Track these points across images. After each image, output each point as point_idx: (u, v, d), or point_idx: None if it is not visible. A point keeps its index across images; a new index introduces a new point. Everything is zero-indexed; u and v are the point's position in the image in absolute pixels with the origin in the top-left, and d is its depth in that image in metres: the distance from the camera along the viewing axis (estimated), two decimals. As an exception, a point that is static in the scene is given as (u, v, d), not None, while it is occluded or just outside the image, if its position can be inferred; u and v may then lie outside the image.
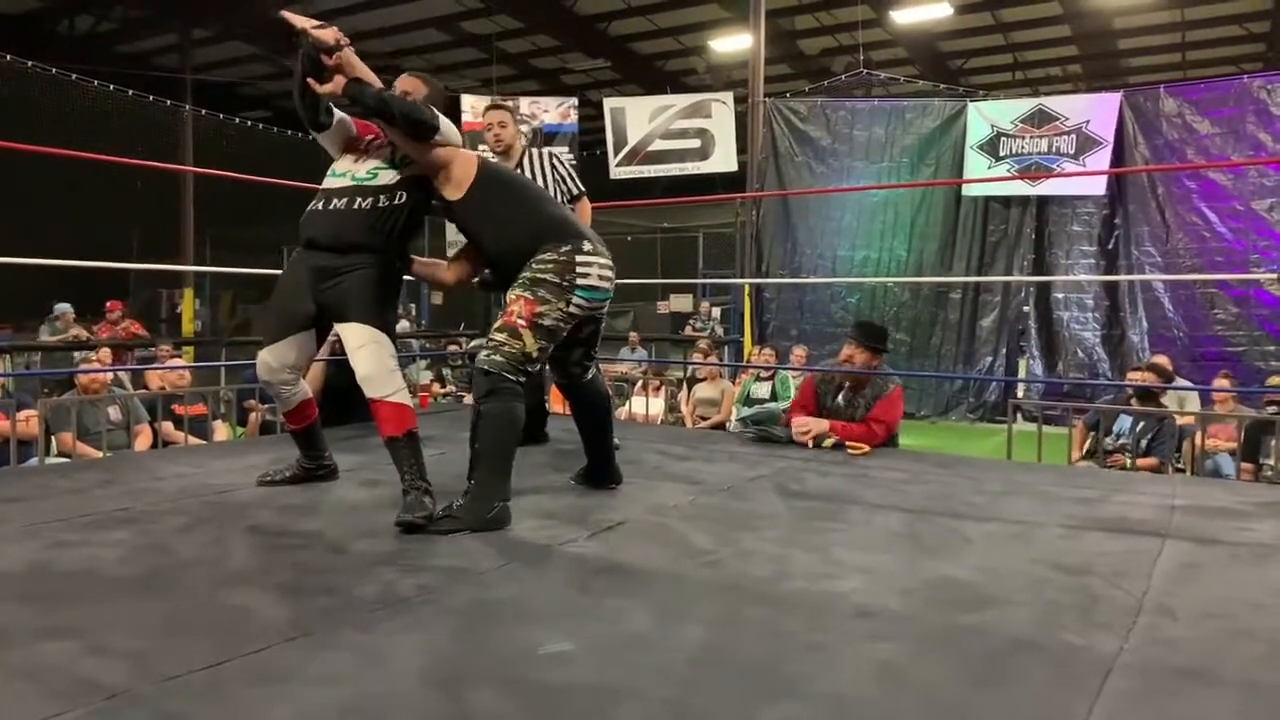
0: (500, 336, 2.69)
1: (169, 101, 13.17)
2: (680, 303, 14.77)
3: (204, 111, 13.90)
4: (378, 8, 14.01)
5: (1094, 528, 2.72)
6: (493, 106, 4.04)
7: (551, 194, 3.76)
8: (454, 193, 2.86)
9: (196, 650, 1.68)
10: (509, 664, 1.69)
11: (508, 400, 2.66)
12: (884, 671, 1.66)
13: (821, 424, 4.09)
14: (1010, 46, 15.48)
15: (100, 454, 4.70)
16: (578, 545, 2.46)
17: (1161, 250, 9.32)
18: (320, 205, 2.94)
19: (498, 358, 2.66)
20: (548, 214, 2.91)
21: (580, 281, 2.77)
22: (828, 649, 1.76)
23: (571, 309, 2.77)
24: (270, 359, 2.96)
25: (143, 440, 5.37)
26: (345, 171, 2.97)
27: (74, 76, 11.27)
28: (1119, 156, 9.42)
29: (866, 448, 3.99)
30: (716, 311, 13.53)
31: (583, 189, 4.04)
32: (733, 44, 14.00)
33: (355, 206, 2.86)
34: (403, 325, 14.84)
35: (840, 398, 4.21)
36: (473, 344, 6.38)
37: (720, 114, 11.66)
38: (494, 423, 2.64)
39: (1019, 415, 6.07)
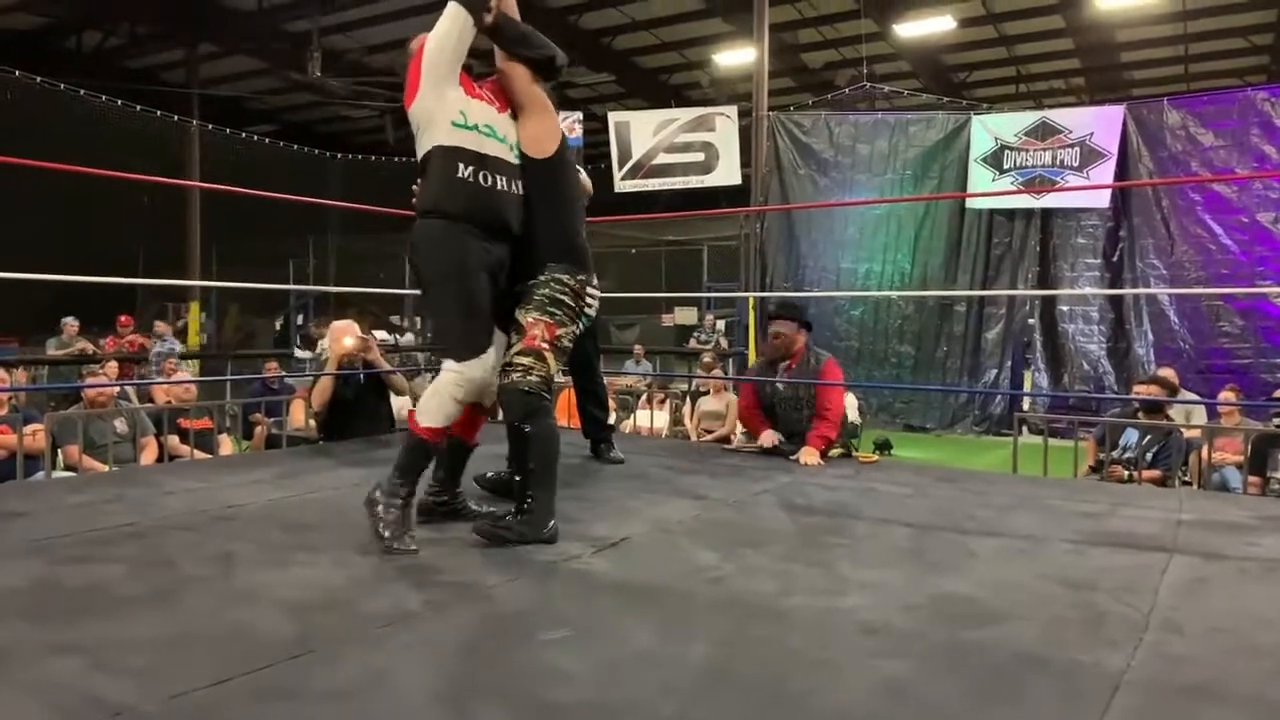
0: (528, 360, 2.66)
1: (176, 117, 13.27)
2: (685, 315, 14.78)
3: (210, 126, 14.01)
4: (385, 22, 14.10)
5: (1100, 542, 2.71)
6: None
7: None
8: (540, 151, 2.78)
9: (203, 667, 1.69)
10: (515, 681, 1.69)
11: (548, 419, 2.69)
12: (890, 688, 1.66)
13: (769, 437, 4.20)
14: (1013, 59, 15.51)
15: (106, 467, 4.72)
16: (583, 561, 2.46)
17: (1166, 263, 9.32)
18: (481, 180, 2.58)
19: (533, 378, 2.65)
20: (580, 230, 2.94)
21: (587, 309, 2.82)
22: (833, 666, 1.76)
23: (576, 332, 2.82)
24: (485, 374, 2.62)
25: (148, 454, 5.39)
26: (488, 128, 2.65)
27: (82, 92, 11.36)
28: (1123, 169, 9.42)
29: (876, 457, 4.02)
30: (721, 324, 13.53)
31: None
32: (736, 58, 14.06)
33: (514, 191, 2.67)
34: (408, 339, 14.86)
35: (782, 388, 4.28)
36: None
37: (724, 127, 11.71)
38: (544, 443, 2.64)
39: (1024, 428, 6.06)
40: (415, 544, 2.48)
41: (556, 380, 2.93)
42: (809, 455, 3.98)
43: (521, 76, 2.79)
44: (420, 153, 2.66)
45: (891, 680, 1.69)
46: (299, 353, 12.43)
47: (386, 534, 2.47)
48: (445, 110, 2.59)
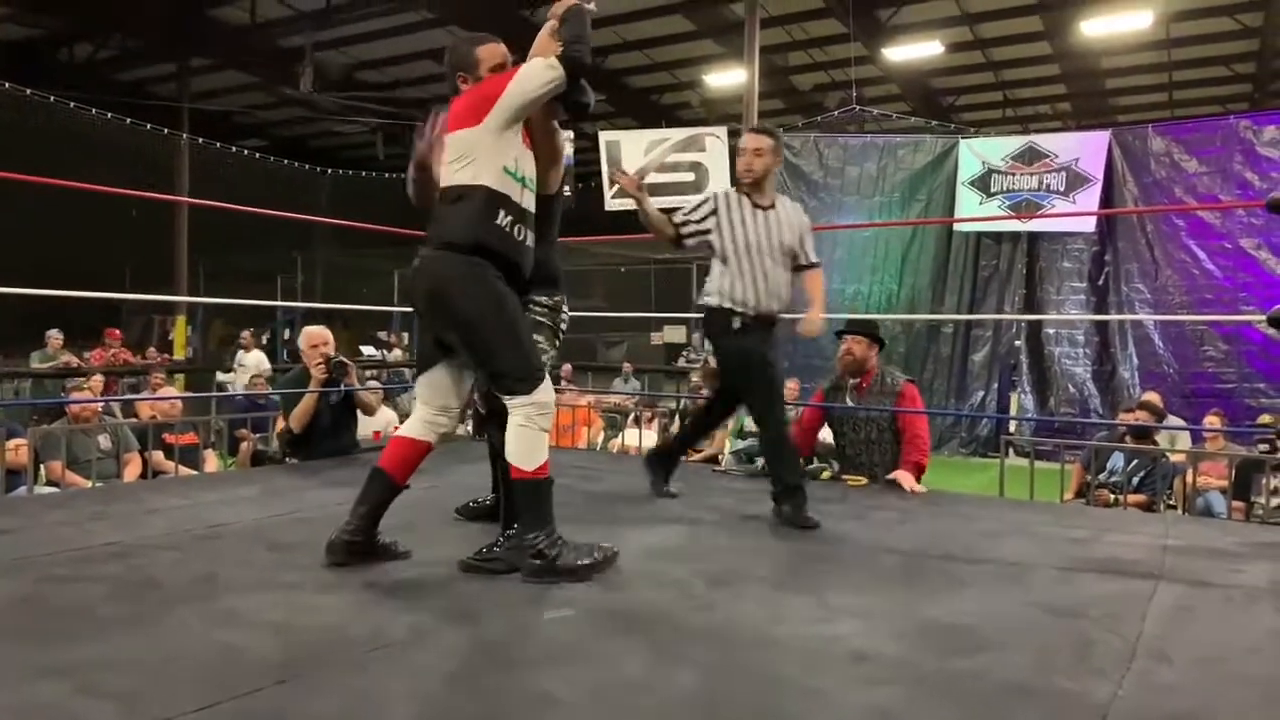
0: None
1: (166, 130, 13.25)
2: (674, 334, 14.80)
3: (200, 140, 13.99)
4: (376, 40, 14.16)
5: (1087, 569, 2.72)
6: (755, 130, 3.55)
7: (775, 257, 3.44)
8: (548, 189, 2.80)
9: (188, 691, 1.67)
10: (503, 708, 1.67)
11: None
12: (881, 717, 1.65)
13: (908, 479, 3.93)
14: (1000, 84, 15.69)
15: (89, 483, 4.67)
16: (571, 587, 2.45)
17: (1151, 287, 9.40)
18: (515, 233, 2.54)
19: None
20: (554, 254, 2.95)
21: (562, 327, 2.86)
22: (824, 694, 1.75)
23: (554, 356, 2.86)
24: (553, 395, 2.56)
25: (132, 469, 5.34)
26: (530, 182, 2.60)
27: (72, 104, 11.34)
28: (1108, 194, 9.52)
29: (864, 480, 4.02)
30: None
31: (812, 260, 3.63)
32: (727, 79, 14.16)
33: (531, 242, 2.63)
34: (395, 354, 14.81)
35: (849, 398, 4.18)
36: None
37: (714, 148, 11.75)
38: (529, 442, 2.56)
39: (1011, 450, 6.08)
40: (604, 547, 2.50)
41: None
42: (908, 480, 3.90)
43: (551, 113, 2.74)
44: (457, 179, 2.52)
45: (882, 709, 1.68)
46: (220, 375, 12.01)
47: (583, 562, 2.42)
48: (502, 153, 2.50)
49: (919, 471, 3.97)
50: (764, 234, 3.41)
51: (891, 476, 3.95)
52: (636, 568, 2.64)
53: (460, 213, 2.49)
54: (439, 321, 2.57)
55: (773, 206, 3.47)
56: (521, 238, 2.55)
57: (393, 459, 2.58)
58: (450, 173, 2.55)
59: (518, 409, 2.43)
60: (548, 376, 2.51)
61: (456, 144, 2.53)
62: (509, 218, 2.50)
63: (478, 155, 2.50)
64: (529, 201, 2.58)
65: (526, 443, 2.43)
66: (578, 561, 2.41)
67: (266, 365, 10.73)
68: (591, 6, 2.60)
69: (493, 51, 2.67)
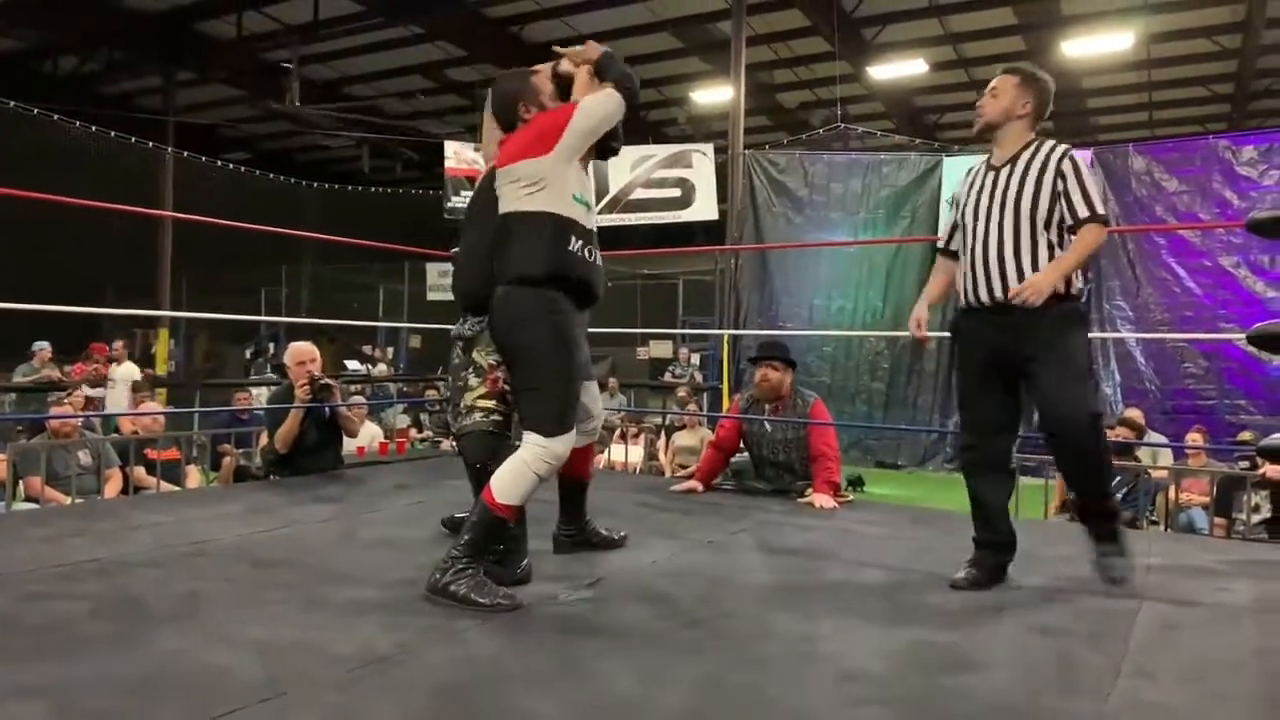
0: (490, 403, 2.70)
1: (151, 144, 13.19)
2: (660, 349, 14.81)
3: (186, 154, 13.93)
4: (362, 54, 14.17)
5: (1072, 587, 2.73)
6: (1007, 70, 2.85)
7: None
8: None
9: (169, 711, 1.65)
10: (489, 728, 1.66)
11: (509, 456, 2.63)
12: (867, 737, 1.65)
13: (826, 500, 3.97)
14: (984, 103, 15.83)
15: (68, 499, 4.62)
16: (557, 603, 2.44)
17: (1132, 304, 9.48)
18: (587, 254, 2.55)
19: (496, 418, 2.67)
20: None
21: None
22: (811, 714, 1.75)
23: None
24: (568, 450, 2.56)
25: (113, 485, 5.28)
26: (591, 205, 2.64)
27: (55, 117, 11.28)
28: (1090, 212, 9.60)
29: (850, 496, 4.04)
30: (696, 358, 13.56)
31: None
32: (713, 96, 14.23)
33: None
34: (380, 369, 14.76)
35: (768, 425, 4.28)
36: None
37: (700, 164, 11.81)
38: (520, 480, 2.55)
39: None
40: (511, 598, 2.35)
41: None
42: (822, 500, 3.92)
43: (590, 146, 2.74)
44: (525, 205, 2.50)
45: (869, 728, 1.68)
46: (88, 390, 11.24)
47: (482, 600, 2.31)
48: (569, 181, 2.52)
49: (833, 488, 4.02)
50: (990, 199, 2.71)
51: (806, 500, 3.98)
52: (623, 585, 2.63)
53: (531, 243, 2.48)
54: (502, 352, 2.61)
55: (1012, 162, 2.71)
56: (592, 259, 2.58)
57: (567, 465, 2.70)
58: (515, 200, 2.53)
59: (531, 446, 2.42)
60: (574, 432, 2.50)
61: (524, 172, 2.52)
62: (579, 241, 2.51)
63: (549, 183, 2.50)
64: (592, 223, 2.61)
65: (516, 480, 2.40)
66: (471, 595, 2.31)
67: (137, 374, 10.19)
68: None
69: (546, 80, 2.70)
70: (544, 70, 2.75)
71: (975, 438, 2.88)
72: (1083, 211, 2.60)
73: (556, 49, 2.74)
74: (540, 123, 2.58)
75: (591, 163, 2.76)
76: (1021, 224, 2.64)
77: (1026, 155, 2.69)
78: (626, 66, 2.62)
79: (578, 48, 2.68)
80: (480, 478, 2.61)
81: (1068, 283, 2.64)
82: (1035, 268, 2.61)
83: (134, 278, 14.34)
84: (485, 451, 2.65)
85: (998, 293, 2.65)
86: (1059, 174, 2.63)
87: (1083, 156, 2.79)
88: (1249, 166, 8.91)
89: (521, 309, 2.48)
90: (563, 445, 2.44)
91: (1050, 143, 2.71)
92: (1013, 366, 2.70)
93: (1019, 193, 2.65)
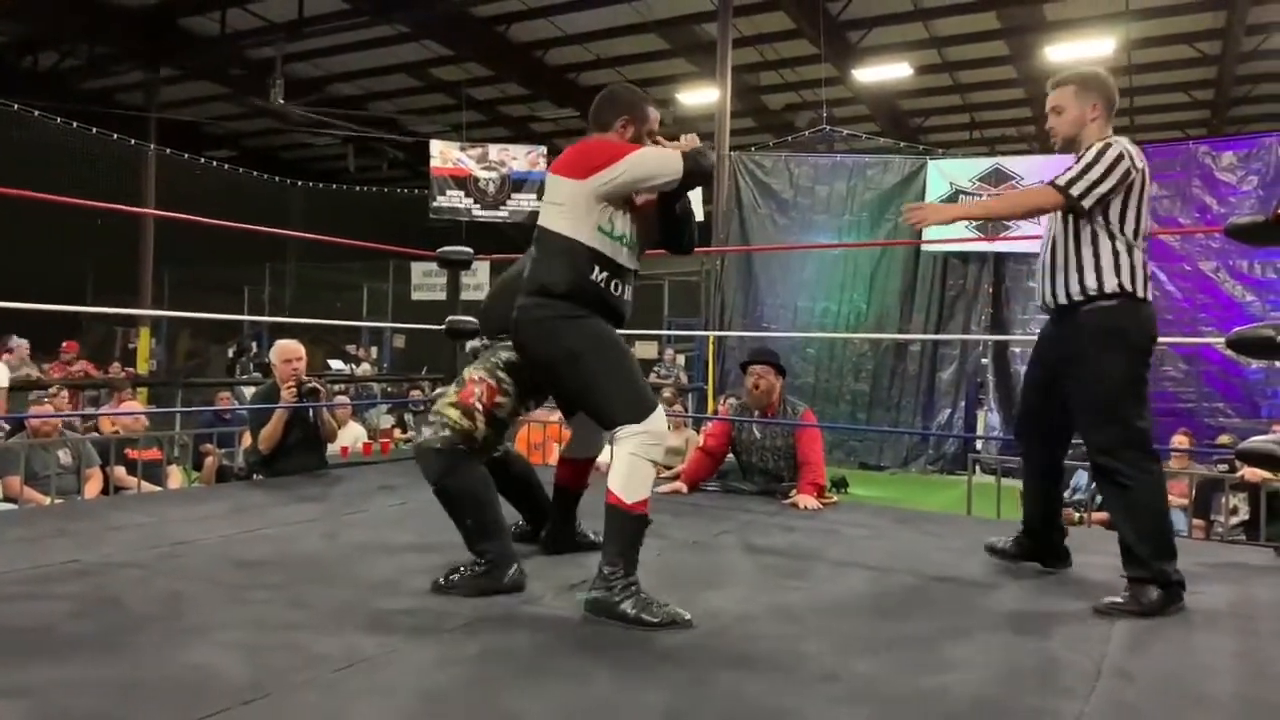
0: (453, 414, 2.57)
1: (133, 140, 13.08)
2: (645, 349, 14.81)
3: (169, 150, 13.83)
4: (348, 52, 14.10)
5: (1053, 588, 2.76)
6: (1053, 83, 2.79)
7: None
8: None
9: (152, 713, 1.65)
10: (474, 729, 1.67)
11: (468, 470, 2.56)
12: (850, 737, 1.66)
13: (810, 500, 4.00)
14: (968, 107, 15.94)
15: (47, 499, 4.58)
16: (543, 604, 2.44)
17: (1114, 308, 9.57)
18: (613, 288, 2.50)
19: (447, 434, 2.55)
20: None
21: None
22: (794, 714, 1.76)
23: (527, 407, 2.79)
24: (665, 424, 2.50)
25: (93, 485, 5.24)
26: (630, 242, 2.53)
27: (36, 113, 11.17)
28: (1072, 216, 9.68)
29: (834, 497, 4.08)
30: (681, 359, 13.58)
31: None
32: (699, 98, 14.26)
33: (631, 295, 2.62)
34: (364, 369, 14.70)
35: (756, 429, 4.30)
36: (436, 391, 6.31)
37: (686, 165, 11.81)
38: (471, 495, 2.55)
39: (978, 468, 6.15)
40: (680, 614, 2.25)
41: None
42: (806, 501, 3.95)
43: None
44: (555, 225, 2.47)
45: (852, 728, 1.70)
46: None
47: (652, 619, 2.23)
48: (597, 213, 2.44)
49: (817, 490, 4.05)
50: None
51: (790, 501, 4.01)
52: (608, 586, 2.63)
53: (556, 262, 2.45)
54: (539, 368, 2.54)
55: None
56: (619, 292, 2.51)
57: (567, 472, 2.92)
58: (547, 215, 2.51)
59: (628, 439, 2.33)
60: (661, 407, 2.41)
61: (559, 190, 2.48)
62: (604, 274, 2.45)
63: (575, 210, 2.45)
64: (627, 259, 2.51)
65: (633, 474, 2.32)
66: (640, 614, 2.24)
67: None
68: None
69: (657, 117, 2.62)
70: (659, 117, 2.65)
71: (1018, 438, 2.96)
72: (1058, 180, 2.60)
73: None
74: (594, 147, 2.51)
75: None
76: (1070, 224, 2.62)
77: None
78: (710, 162, 2.54)
79: (686, 137, 2.59)
80: (440, 497, 2.56)
81: (1104, 278, 2.54)
82: (1088, 267, 2.58)
83: (115, 275, 14.22)
84: (436, 470, 2.54)
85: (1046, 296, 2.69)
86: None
87: (1065, 161, 2.77)
88: (1228, 172, 9.01)
89: (546, 319, 2.44)
90: (657, 421, 2.35)
91: (1114, 139, 2.63)
92: (1054, 373, 2.70)
93: None
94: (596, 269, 2.44)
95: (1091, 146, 2.60)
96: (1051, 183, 2.59)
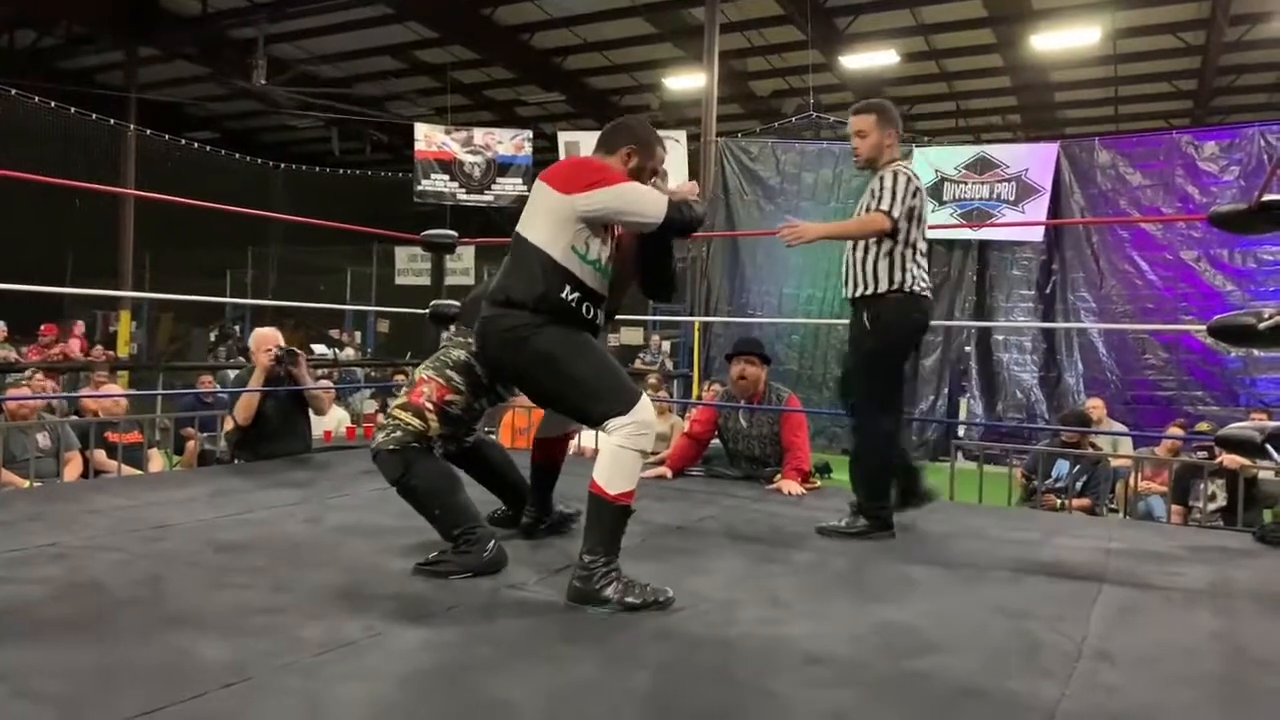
0: (404, 416, 2.60)
1: (112, 120, 12.91)
2: (630, 335, 14.80)
3: (149, 131, 13.66)
4: (331, 34, 13.96)
5: (1034, 571, 2.78)
6: (854, 111, 3.30)
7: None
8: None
9: (131, 695, 1.63)
10: (456, 711, 1.66)
11: (425, 462, 2.58)
12: (834, 719, 1.67)
13: (794, 485, 4.04)
14: (954, 95, 15.95)
15: (26, 483, 4.54)
16: (526, 588, 2.44)
17: (1096, 296, 9.62)
18: (585, 310, 2.45)
19: (400, 434, 2.58)
20: None
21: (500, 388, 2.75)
22: (778, 696, 1.76)
23: (481, 404, 2.76)
24: (653, 413, 2.46)
25: (72, 469, 5.18)
26: (603, 269, 2.48)
27: (13, 92, 11.00)
28: (1056, 204, 9.73)
29: (818, 483, 4.11)
30: (666, 345, 13.58)
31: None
32: (686, 83, 14.21)
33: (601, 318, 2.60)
34: (348, 353, 14.62)
35: (742, 416, 4.32)
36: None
37: (673, 151, 11.77)
38: (433, 485, 2.57)
39: (960, 454, 6.19)
40: (661, 592, 2.27)
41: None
42: (790, 486, 3.98)
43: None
44: (531, 236, 2.42)
45: (834, 710, 1.70)
46: None
47: (635, 600, 2.24)
48: (573, 232, 2.39)
49: (801, 476, 4.08)
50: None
51: (774, 487, 4.03)
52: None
53: (526, 274, 2.40)
54: (511, 376, 2.56)
55: None
56: (591, 315, 2.45)
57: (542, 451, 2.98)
58: (529, 222, 2.46)
59: (616, 429, 2.29)
60: (646, 394, 2.38)
61: (544, 199, 2.44)
62: (575, 294, 2.40)
63: (555, 224, 2.40)
64: (598, 284, 2.45)
65: (618, 465, 2.30)
66: (623, 598, 2.24)
67: None
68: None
69: (663, 156, 2.60)
70: (664, 158, 2.63)
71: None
72: (882, 207, 3.09)
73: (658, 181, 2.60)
74: (588, 165, 2.48)
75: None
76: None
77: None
78: (695, 215, 2.50)
79: (688, 184, 2.60)
80: (403, 494, 2.59)
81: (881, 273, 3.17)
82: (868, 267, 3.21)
83: (95, 257, 14.06)
84: (394, 470, 2.56)
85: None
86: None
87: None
88: (1210, 162, 9.06)
89: (510, 328, 2.39)
90: (644, 410, 2.31)
91: (900, 166, 3.21)
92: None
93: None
94: (568, 288, 2.39)
95: (894, 173, 3.13)
96: (881, 209, 3.09)
